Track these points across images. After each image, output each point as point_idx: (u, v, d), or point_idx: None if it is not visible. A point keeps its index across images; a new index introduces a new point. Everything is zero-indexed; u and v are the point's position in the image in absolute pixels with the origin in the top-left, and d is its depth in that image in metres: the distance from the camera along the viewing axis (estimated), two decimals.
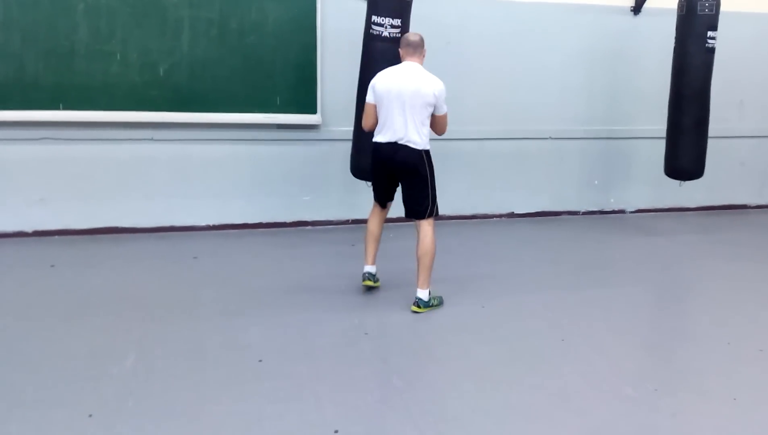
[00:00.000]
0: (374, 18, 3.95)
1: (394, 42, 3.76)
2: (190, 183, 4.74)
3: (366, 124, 3.46)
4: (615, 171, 5.70)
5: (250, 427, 2.35)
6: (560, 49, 5.29)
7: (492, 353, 3.00)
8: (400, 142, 3.31)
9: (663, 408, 2.58)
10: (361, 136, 3.94)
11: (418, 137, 3.30)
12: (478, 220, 5.39)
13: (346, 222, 5.02)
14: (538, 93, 5.30)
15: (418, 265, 3.41)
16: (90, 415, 2.38)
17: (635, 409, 2.57)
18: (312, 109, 4.75)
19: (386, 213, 3.65)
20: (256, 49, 4.59)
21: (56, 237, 4.51)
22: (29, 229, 4.50)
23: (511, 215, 5.50)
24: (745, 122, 5.89)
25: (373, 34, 3.96)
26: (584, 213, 5.68)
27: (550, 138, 5.45)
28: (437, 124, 3.42)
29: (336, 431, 2.33)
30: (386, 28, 3.91)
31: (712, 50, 4.66)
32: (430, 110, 3.32)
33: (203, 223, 4.81)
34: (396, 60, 3.47)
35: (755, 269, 4.39)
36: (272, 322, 3.26)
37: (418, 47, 3.36)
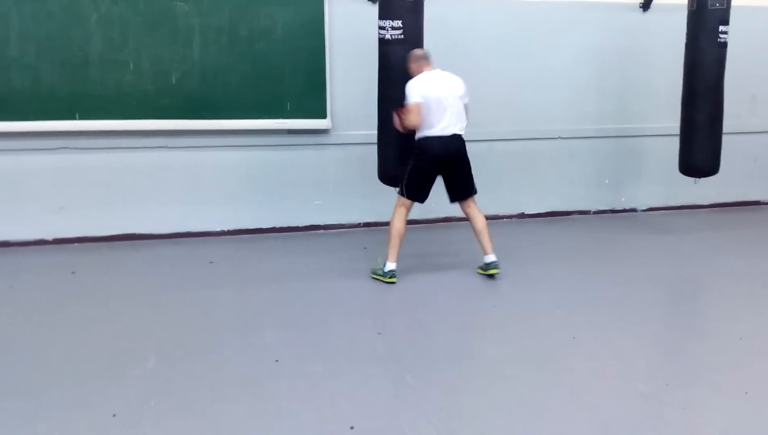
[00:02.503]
0: (379, 22, 4.02)
1: (398, 44, 3.89)
2: (204, 189, 4.82)
3: (414, 122, 3.77)
4: (626, 169, 5.69)
5: (268, 425, 2.41)
6: (569, 47, 5.30)
7: (503, 351, 3.03)
8: (457, 134, 3.82)
9: (674, 402, 2.59)
10: (388, 144, 4.10)
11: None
12: (489, 221, 5.35)
13: (358, 225, 5.07)
14: (547, 92, 5.31)
15: (480, 237, 3.95)
16: (114, 415, 2.45)
17: (646, 404, 2.58)
18: (322, 114, 4.81)
19: None
20: (266, 55, 4.66)
21: (76, 244, 4.61)
22: (49, 237, 4.60)
23: (522, 216, 5.52)
24: (757, 118, 5.86)
25: (378, 37, 4.04)
26: (595, 212, 5.68)
27: (560, 137, 5.46)
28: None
29: (352, 427, 2.38)
30: (387, 30, 3.98)
31: (724, 45, 4.62)
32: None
33: (218, 229, 4.89)
34: (399, 62, 3.77)
35: (767, 266, 4.37)
36: (288, 323, 3.32)
37: (431, 59, 3.85)
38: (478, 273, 4.00)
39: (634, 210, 5.78)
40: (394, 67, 3.95)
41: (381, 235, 4.88)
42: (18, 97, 4.33)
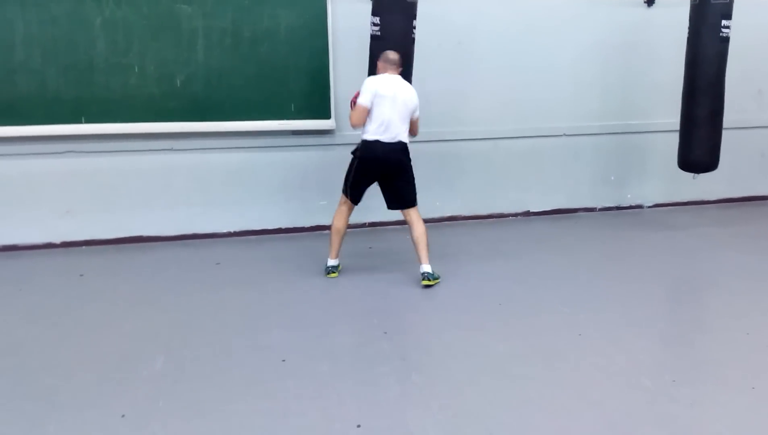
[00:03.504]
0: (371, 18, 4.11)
1: (374, 39, 4.01)
2: (210, 191, 4.85)
3: (354, 122, 3.76)
4: (631, 166, 5.68)
5: (276, 424, 2.43)
6: (573, 44, 5.29)
7: (509, 349, 3.04)
8: (400, 141, 3.73)
9: (681, 398, 2.60)
10: None
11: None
12: (494, 219, 5.42)
13: (363, 225, 5.08)
14: (551, 90, 5.31)
15: (416, 246, 3.82)
16: (123, 416, 2.47)
17: (653, 400, 2.59)
18: (326, 115, 4.83)
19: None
20: (270, 56, 4.68)
21: (83, 247, 4.64)
22: (57, 240, 4.64)
23: (527, 214, 5.52)
24: (764, 112, 5.83)
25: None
26: (601, 209, 5.67)
27: (565, 135, 5.45)
28: (414, 126, 3.88)
29: (358, 426, 2.39)
30: (371, 26, 4.05)
31: (726, 39, 4.59)
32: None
33: (224, 230, 4.92)
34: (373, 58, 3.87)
35: None
36: (294, 323, 3.34)
37: (396, 63, 3.79)
38: (426, 284, 3.80)
39: (640, 206, 5.77)
40: (372, 63, 4.04)
41: (387, 235, 4.90)
42: (24, 101, 4.36)
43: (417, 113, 3.86)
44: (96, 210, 4.67)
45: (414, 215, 3.86)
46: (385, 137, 3.73)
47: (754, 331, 3.23)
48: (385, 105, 3.70)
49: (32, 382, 2.73)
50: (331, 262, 4.02)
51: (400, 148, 3.77)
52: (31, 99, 4.37)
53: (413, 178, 3.86)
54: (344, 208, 3.95)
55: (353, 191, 3.88)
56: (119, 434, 2.36)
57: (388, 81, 3.74)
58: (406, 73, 4.03)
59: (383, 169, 3.80)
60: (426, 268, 3.81)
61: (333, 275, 4.00)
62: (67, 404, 2.57)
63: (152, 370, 2.83)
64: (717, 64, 4.65)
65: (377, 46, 4.00)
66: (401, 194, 3.85)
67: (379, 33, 4.01)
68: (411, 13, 4.10)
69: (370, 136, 3.75)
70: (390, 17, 4.02)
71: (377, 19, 4.03)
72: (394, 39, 4.03)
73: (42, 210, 4.59)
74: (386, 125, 3.71)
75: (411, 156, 3.84)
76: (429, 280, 3.79)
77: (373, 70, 4.00)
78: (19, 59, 4.31)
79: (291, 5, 4.65)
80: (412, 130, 3.89)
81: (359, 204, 3.96)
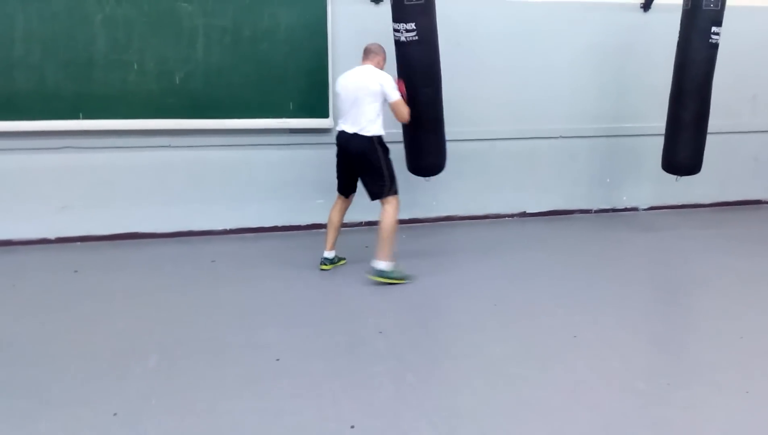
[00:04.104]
0: (393, 24, 4.03)
1: (412, 45, 3.94)
2: (207, 188, 4.84)
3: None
4: (627, 169, 5.69)
5: (269, 423, 2.42)
6: (570, 47, 5.30)
7: (504, 350, 3.04)
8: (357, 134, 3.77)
9: (675, 401, 2.60)
10: (413, 137, 4.18)
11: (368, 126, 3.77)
12: (490, 220, 5.42)
13: (359, 224, 5.08)
14: (548, 92, 5.32)
15: (378, 238, 3.83)
16: (115, 414, 2.46)
17: (648, 403, 2.59)
18: (324, 113, 4.82)
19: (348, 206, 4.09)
20: (269, 55, 4.67)
21: (78, 243, 4.63)
22: (52, 236, 4.62)
23: (523, 215, 5.52)
24: (757, 117, 5.85)
25: (394, 39, 4.06)
26: (596, 211, 5.69)
27: (561, 137, 5.46)
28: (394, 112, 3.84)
29: (352, 426, 2.39)
30: (402, 33, 3.98)
31: (715, 46, 4.60)
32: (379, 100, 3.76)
33: (220, 228, 4.91)
34: (419, 64, 3.91)
35: None
36: (289, 322, 3.34)
37: (370, 53, 3.86)
38: (371, 278, 3.80)
39: (635, 209, 5.78)
40: (414, 69, 4.01)
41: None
42: (22, 96, 4.34)
43: (390, 98, 3.75)
44: (92, 206, 4.66)
45: (385, 206, 3.82)
46: (348, 128, 3.80)
47: (748, 334, 3.24)
48: (344, 98, 3.80)
49: (23, 379, 2.72)
50: (325, 253, 4.09)
51: (360, 141, 3.76)
52: (29, 94, 4.35)
53: (379, 170, 3.78)
54: (336, 200, 4.09)
55: (338, 180, 4.03)
56: (111, 432, 2.36)
57: (351, 74, 3.80)
58: (436, 78, 4.07)
59: (348, 159, 3.89)
60: (378, 263, 3.78)
61: (324, 267, 4.06)
62: (58, 401, 2.56)
63: (145, 367, 2.82)
64: (705, 70, 4.65)
65: (419, 51, 3.96)
66: (367, 187, 3.88)
67: (416, 38, 3.93)
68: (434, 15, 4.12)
69: (338, 126, 3.90)
70: (424, 21, 3.99)
71: (412, 25, 3.96)
72: (434, 43, 4.05)
73: (38, 205, 4.57)
74: (347, 118, 3.80)
75: (384, 148, 3.83)
76: (377, 276, 3.77)
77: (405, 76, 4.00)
78: (19, 54, 4.28)
79: (291, 5, 4.64)
80: (397, 115, 3.84)
81: (351, 198, 4.07)
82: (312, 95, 4.79)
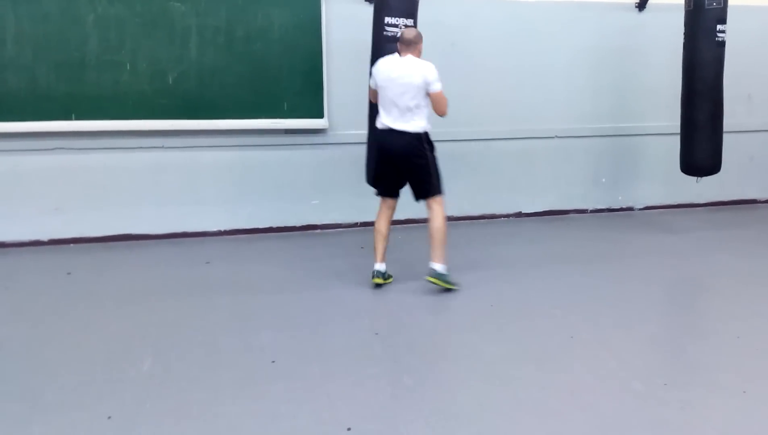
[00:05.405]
0: (387, 19, 3.96)
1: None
2: (200, 189, 4.81)
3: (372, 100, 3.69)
4: (622, 168, 5.70)
5: (265, 426, 2.40)
6: (566, 47, 5.31)
7: (501, 351, 3.03)
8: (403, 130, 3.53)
9: (672, 402, 2.59)
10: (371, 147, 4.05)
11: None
12: (486, 220, 5.42)
13: (355, 225, 5.06)
14: (544, 92, 5.32)
15: (431, 240, 3.64)
16: (109, 417, 2.43)
17: (644, 404, 2.58)
18: (319, 114, 4.81)
19: (393, 210, 3.78)
20: (263, 55, 4.65)
21: (71, 245, 4.59)
22: (45, 237, 4.58)
23: (519, 215, 5.52)
24: (753, 116, 5.87)
25: (387, 35, 3.96)
26: (592, 211, 5.69)
27: (557, 137, 5.47)
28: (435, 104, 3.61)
29: (349, 429, 2.37)
30: (401, 28, 3.94)
31: (722, 44, 4.63)
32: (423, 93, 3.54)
33: (214, 229, 4.88)
34: None
35: (764, 264, 4.38)
36: (284, 324, 3.31)
37: (411, 43, 3.58)
38: (429, 280, 3.68)
39: (631, 209, 5.79)
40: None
41: None
42: (14, 97, 4.31)
43: (433, 88, 3.52)
44: (85, 207, 4.62)
45: (433, 207, 3.64)
46: (392, 124, 3.56)
47: (745, 334, 3.24)
48: (387, 90, 3.55)
49: (16, 383, 2.69)
50: (376, 266, 3.76)
51: (410, 137, 3.54)
52: (21, 95, 4.32)
53: (427, 168, 3.60)
54: (381, 207, 3.76)
55: (378, 182, 3.75)
56: None
57: (394, 64, 3.56)
58: None
59: (395, 160, 3.63)
60: (435, 265, 3.64)
61: (377, 281, 3.73)
62: (52, 405, 2.53)
63: (140, 370, 2.79)
64: (714, 69, 4.67)
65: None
66: (413, 187, 3.68)
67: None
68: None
69: (379, 123, 3.63)
70: (415, 16, 3.97)
71: (411, 21, 3.92)
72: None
73: (30, 207, 4.54)
74: (389, 111, 3.56)
75: (431, 145, 3.65)
76: (435, 278, 3.63)
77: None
78: (10, 55, 4.26)
79: (285, 5, 4.63)
80: (436, 108, 3.61)
81: (397, 201, 3.77)
82: (306, 95, 4.77)
